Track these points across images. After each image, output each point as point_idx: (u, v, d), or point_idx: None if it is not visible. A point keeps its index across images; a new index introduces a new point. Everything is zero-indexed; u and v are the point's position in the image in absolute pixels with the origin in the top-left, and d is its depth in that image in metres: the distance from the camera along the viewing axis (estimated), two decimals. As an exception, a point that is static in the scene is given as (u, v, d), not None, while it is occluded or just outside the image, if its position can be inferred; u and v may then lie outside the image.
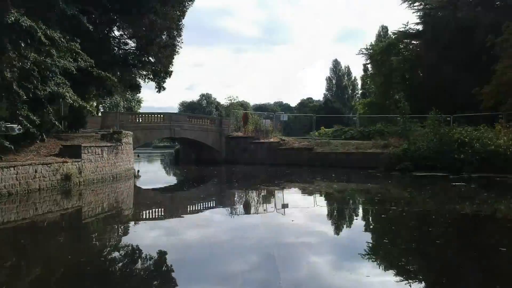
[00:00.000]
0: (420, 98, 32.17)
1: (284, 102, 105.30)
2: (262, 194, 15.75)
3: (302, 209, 11.76)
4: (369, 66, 49.22)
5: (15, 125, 13.23)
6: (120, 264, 6.74)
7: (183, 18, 24.97)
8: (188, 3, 25.04)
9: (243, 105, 71.31)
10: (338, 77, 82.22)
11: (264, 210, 11.99)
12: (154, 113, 31.18)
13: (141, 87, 27.77)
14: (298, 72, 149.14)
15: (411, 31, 38.98)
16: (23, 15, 12.55)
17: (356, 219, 10.84)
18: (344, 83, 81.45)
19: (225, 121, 34.25)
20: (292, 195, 15.41)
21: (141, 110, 65.32)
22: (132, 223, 10.26)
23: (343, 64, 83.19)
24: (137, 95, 61.46)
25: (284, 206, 12.39)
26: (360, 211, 12.34)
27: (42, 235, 9.09)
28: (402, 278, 5.72)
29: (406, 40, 40.59)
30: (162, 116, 30.52)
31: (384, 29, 60.99)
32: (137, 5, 21.00)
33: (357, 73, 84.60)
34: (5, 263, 6.63)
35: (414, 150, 21.94)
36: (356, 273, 5.96)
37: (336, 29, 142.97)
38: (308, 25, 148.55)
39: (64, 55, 13.76)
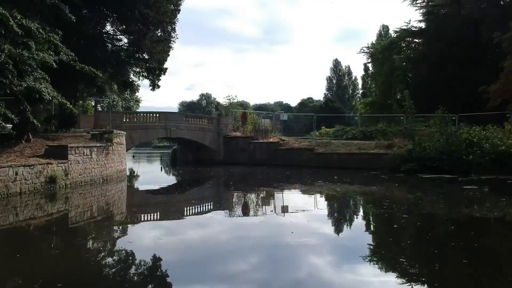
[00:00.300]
0: (422, 97, 31.25)
1: (284, 102, 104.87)
2: (261, 195, 14.83)
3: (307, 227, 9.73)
4: (370, 65, 48.67)
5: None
6: (111, 276, 5.80)
7: (178, 13, 24.06)
8: (182, -3, 24.08)
9: (243, 104, 70.25)
10: (339, 76, 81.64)
11: (262, 216, 11.04)
12: (149, 113, 29.99)
13: (135, 84, 26.81)
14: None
15: (413, 28, 38.29)
16: None
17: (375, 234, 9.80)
18: (344, 83, 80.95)
19: (223, 121, 33.18)
20: (293, 198, 14.36)
21: (138, 110, 64.31)
22: (119, 227, 9.47)
23: (343, 64, 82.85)
24: (136, 94, 60.62)
25: (284, 209, 11.58)
26: (377, 223, 11.26)
27: (23, 241, 8.21)
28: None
29: (408, 38, 39.94)
30: (157, 115, 29.38)
31: (385, 28, 60.48)
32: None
33: (357, 72, 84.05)
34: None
35: (419, 150, 20.99)
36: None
37: (336, 29, 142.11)
38: (308, 25, 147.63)
39: (42, 47, 12.68)
